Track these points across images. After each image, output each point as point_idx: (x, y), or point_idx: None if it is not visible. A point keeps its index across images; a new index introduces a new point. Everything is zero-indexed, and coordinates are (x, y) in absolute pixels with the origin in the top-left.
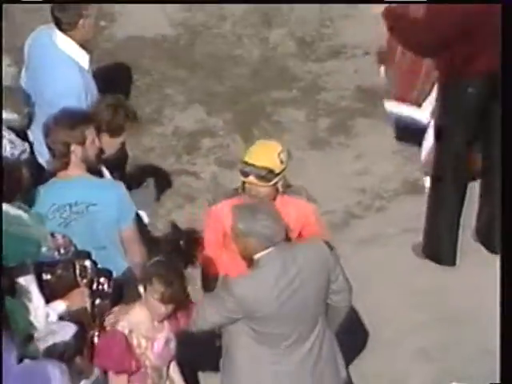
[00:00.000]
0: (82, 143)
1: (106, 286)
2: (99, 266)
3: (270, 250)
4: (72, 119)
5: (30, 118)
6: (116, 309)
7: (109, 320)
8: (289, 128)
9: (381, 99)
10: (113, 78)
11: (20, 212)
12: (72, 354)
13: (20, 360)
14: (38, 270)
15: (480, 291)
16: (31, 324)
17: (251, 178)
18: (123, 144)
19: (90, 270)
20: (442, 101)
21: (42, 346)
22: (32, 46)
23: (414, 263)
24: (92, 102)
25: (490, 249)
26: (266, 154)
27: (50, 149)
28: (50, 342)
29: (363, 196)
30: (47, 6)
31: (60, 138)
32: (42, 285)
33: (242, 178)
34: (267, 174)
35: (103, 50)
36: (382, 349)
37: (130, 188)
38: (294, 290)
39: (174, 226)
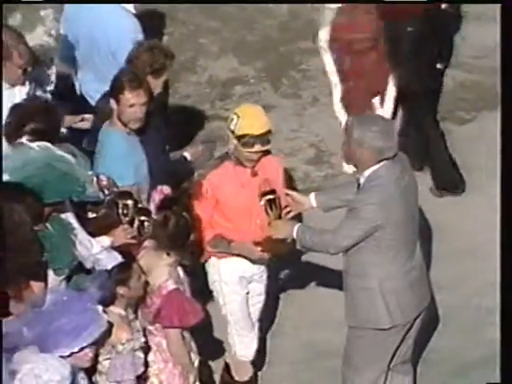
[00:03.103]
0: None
1: (146, 224)
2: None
3: (383, 163)
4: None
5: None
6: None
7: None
8: (315, 76)
9: None
10: (150, 29)
11: (66, 154)
12: (117, 282)
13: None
14: (84, 209)
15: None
16: (75, 259)
17: (257, 147)
18: (166, 82)
19: (131, 209)
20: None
21: (97, 277)
22: None
23: (430, 202)
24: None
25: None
26: (262, 119)
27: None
28: (97, 271)
29: None
30: None
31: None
32: (87, 223)
33: (247, 150)
34: (269, 136)
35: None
36: None
37: (171, 124)
38: (407, 198)
39: None
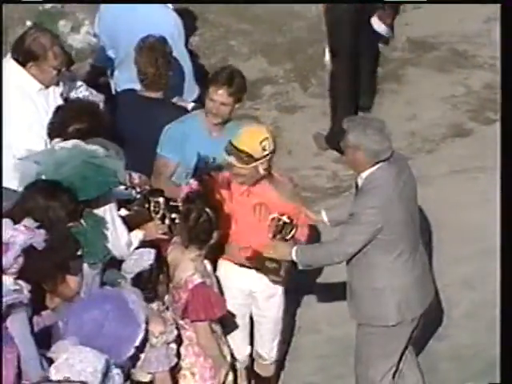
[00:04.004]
0: None
1: (176, 221)
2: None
3: (379, 165)
4: None
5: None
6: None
7: None
8: None
9: (430, 50)
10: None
11: (96, 147)
12: (157, 274)
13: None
14: (117, 206)
15: None
16: (108, 253)
17: (232, 159)
18: None
19: (162, 206)
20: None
21: (131, 274)
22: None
23: (460, 201)
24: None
25: None
26: (249, 139)
27: None
28: (137, 269)
29: (413, 139)
30: None
31: None
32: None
33: (226, 157)
34: (246, 158)
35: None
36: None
37: None
38: (406, 197)
39: None
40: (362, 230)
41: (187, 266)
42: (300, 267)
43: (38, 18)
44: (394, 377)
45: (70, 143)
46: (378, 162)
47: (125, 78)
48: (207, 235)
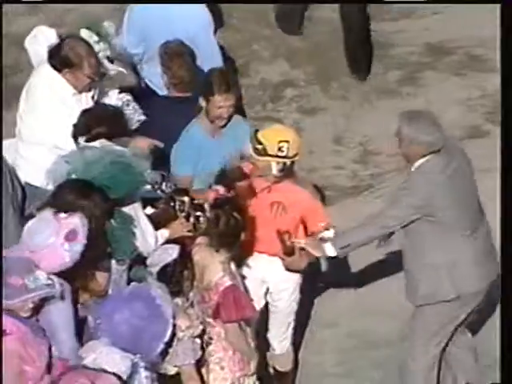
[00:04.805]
0: None
1: (201, 219)
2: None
3: (430, 155)
4: None
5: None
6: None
7: None
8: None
9: (447, 54)
10: None
11: (121, 148)
12: (181, 270)
13: (127, 283)
14: (143, 205)
15: None
16: (136, 250)
17: (250, 147)
18: None
19: (187, 205)
20: None
21: (156, 268)
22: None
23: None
24: None
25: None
26: (270, 133)
27: None
28: (162, 264)
29: None
30: None
31: None
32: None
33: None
34: (260, 149)
35: None
36: None
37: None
38: (457, 183)
39: None
40: (400, 209)
41: (217, 268)
42: (336, 252)
43: (81, 18)
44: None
45: (98, 143)
46: (431, 153)
47: (153, 72)
48: (236, 238)
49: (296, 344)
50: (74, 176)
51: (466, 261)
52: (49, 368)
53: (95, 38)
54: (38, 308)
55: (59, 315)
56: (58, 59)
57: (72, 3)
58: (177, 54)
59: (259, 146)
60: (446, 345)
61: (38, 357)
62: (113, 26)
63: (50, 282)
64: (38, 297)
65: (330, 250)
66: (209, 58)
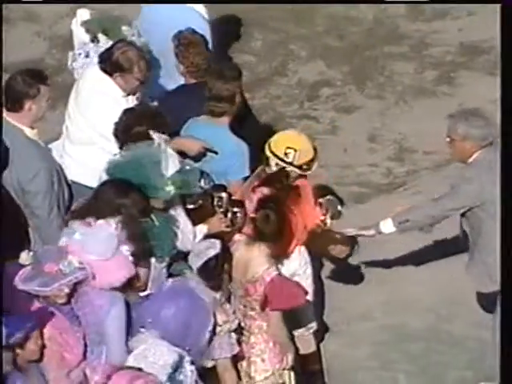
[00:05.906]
0: None
1: (238, 215)
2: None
3: (483, 149)
4: None
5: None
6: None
7: None
8: (399, 80)
9: (480, 54)
10: (245, 35)
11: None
12: (222, 264)
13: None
14: (182, 200)
15: None
16: (175, 248)
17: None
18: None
19: (225, 201)
20: None
21: (199, 262)
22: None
23: None
24: None
25: None
26: (281, 136)
27: None
28: (206, 258)
29: None
30: None
31: None
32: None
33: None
34: (266, 146)
35: (236, 11)
36: None
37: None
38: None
39: None
40: (458, 195)
41: (262, 260)
42: (395, 227)
43: (100, 22)
44: None
45: (136, 144)
46: (484, 146)
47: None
48: (283, 232)
49: (327, 336)
50: (113, 175)
51: None
52: (84, 356)
53: (136, 33)
54: (71, 295)
55: (113, 326)
56: (109, 64)
57: (73, 3)
58: (192, 43)
59: (265, 144)
60: None
61: (75, 344)
62: (131, 30)
63: (82, 265)
64: (74, 280)
65: (388, 226)
66: None
